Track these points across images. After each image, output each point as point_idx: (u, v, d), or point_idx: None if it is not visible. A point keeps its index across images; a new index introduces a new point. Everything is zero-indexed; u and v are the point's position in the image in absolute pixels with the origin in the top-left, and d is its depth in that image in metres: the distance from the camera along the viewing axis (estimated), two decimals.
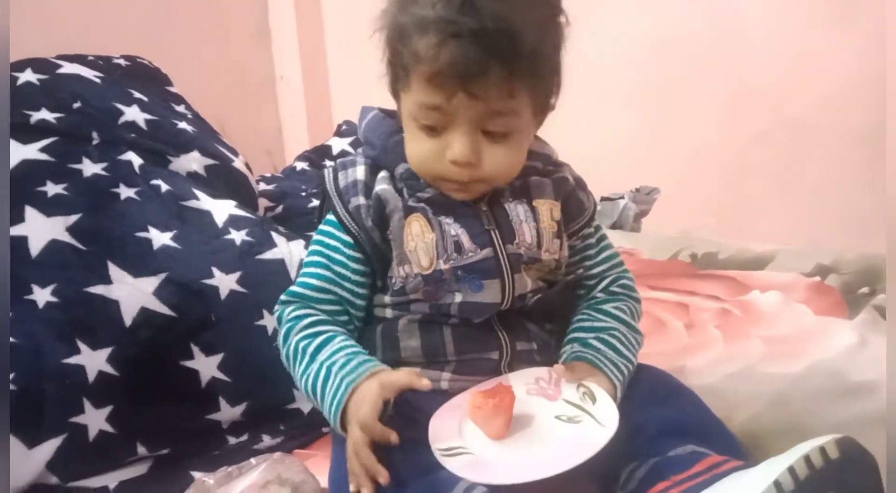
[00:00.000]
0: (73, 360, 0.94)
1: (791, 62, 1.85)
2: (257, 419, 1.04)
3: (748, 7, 1.88)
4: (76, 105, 1.24)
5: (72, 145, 1.17)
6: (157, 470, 0.97)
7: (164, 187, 1.18)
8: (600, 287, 0.90)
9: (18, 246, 1.01)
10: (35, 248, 1.01)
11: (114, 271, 1.03)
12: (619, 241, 1.56)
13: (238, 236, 1.15)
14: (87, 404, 0.94)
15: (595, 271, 0.91)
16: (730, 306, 1.29)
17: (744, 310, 1.27)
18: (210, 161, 1.31)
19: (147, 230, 1.10)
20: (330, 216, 0.84)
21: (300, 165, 1.81)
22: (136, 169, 1.19)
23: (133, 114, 1.29)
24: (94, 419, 0.94)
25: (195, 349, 1.03)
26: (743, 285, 1.36)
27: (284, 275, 1.11)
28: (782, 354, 1.10)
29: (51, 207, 1.06)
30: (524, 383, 0.80)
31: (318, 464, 0.87)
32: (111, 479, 0.94)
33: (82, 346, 0.96)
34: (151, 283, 1.03)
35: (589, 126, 1.94)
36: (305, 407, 1.06)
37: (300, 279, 0.84)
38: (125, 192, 1.15)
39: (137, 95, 1.35)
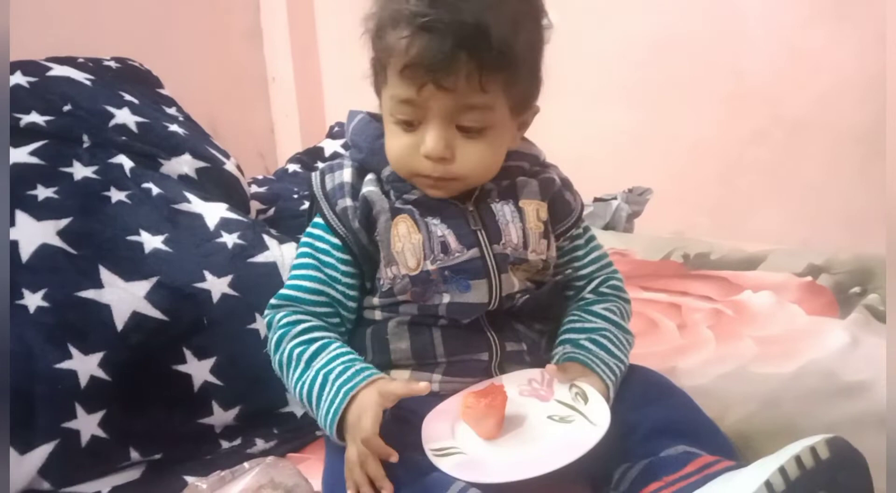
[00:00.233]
0: (64, 365, 0.94)
1: (787, 60, 1.86)
2: (250, 423, 1.04)
3: (744, 6, 1.89)
4: (66, 108, 1.23)
5: (62, 148, 1.17)
6: (150, 475, 0.96)
7: (156, 190, 1.18)
8: (589, 288, 0.91)
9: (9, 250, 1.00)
10: (26, 252, 1.01)
11: (105, 275, 1.03)
12: (611, 241, 1.58)
13: (230, 240, 1.14)
14: (80, 410, 0.93)
15: (584, 271, 0.91)
16: (722, 306, 1.29)
17: (736, 310, 1.27)
18: (201, 164, 1.31)
19: (138, 234, 1.09)
20: (318, 219, 0.85)
21: (292, 168, 1.81)
22: (127, 172, 1.19)
23: (124, 116, 1.28)
24: (87, 424, 0.93)
25: (187, 353, 1.02)
26: (735, 285, 1.36)
27: (276, 278, 1.10)
28: (774, 354, 1.10)
29: (41, 211, 1.06)
30: (516, 384, 0.80)
31: (311, 468, 0.87)
32: (104, 484, 0.93)
33: (74, 351, 0.95)
34: (143, 287, 1.03)
35: (585, 125, 1.95)
36: (298, 411, 1.06)
37: (290, 282, 0.84)
38: (116, 195, 1.14)
39: (128, 97, 1.34)
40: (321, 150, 1.87)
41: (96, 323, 0.98)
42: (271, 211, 1.50)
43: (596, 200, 1.80)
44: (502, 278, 0.82)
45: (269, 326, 0.83)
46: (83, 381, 0.94)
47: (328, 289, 0.83)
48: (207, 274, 1.08)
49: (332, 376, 0.76)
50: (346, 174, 0.85)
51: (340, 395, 0.74)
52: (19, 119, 1.16)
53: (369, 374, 0.76)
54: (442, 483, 0.68)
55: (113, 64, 1.50)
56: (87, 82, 1.32)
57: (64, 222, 1.06)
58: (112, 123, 1.26)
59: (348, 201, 0.82)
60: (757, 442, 0.86)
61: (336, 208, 0.83)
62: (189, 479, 0.89)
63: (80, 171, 1.15)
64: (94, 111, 1.25)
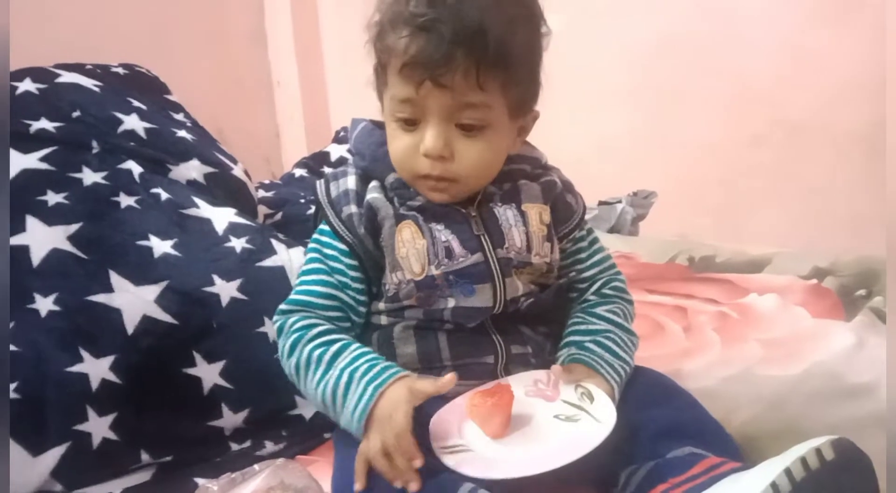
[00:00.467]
0: (76, 368, 0.95)
1: (788, 62, 1.86)
2: (259, 426, 1.04)
3: (746, 8, 1.89)
4: (75, 114, 1.24)
5: (71, 154, 1.18)
6: (160, 477, 0.97)
7: (164, 196, 1.19)
8: (592, 290, 0.92)
9: (20, 255, 1.01)
10: (37, 257, 1.02)
11: (115, 279, 1.04)
12: (616, 245, 1.58)
13: (238, 244, 1.15)
14: (91, 412, 0.94)
15: (587, 274, 0.92)
16: (727, 309, 1.29)
17: (741, 313, 1.27)
18: (209, 169, 1.32)
19: (148, 239, 1.10)
20: (324, 226, 0.86)
21: (299, 172, 1.82)
22: (136, 177, 1.20)
23: (132, 122, 1.29)
24: (98, 427, 0.94)
25: (197, 357, 1.03)
26: (740, 288, 1.37)
27: (284, 282, 1.11)
28: (780, 356, 1.10)
29: (52, 217, 1.07)
30: (522, 385, 0.81)
31: (320, 470, 0.87)
32: (115, 486, 0.94)
33: (85, 354, 0.96)
34: (153, 291, 1.04)
35: (587, 127, 1.96)
36: (307, 413, 1.06)
37: (301, 287, 0.85)
38: (125, 200, 1.15)
39: (136, 103, 1.35)
40: (327, 154, 1.88)
41: (107, 327, 0.99)
42: (279, 215, 1.51)
43: (601, 203, 1.81)
44: (506, 281, 0.83)
45: (279, 331, 0.84)
46: (94, 384, 0.95)
47: (339, 294, 0.84)
48: (216, 278, 1.08)
49: (357, 375, 0.76)
50: (351, 181, 0.86)
51: (370, 391, 0.75)
52: (29, 125, 1.17)
53: (396, 371, 0.76)
54: (451, 485, 0.69)
55: (121, 70, 1.51)
56: (96, 89, 1.33)
57: (74, 228, 1.07)
58: (121, 129, 1.27)
59: (353, 208, 0.83)
60: (762, 444, 0.86)
61: (342, 215, 0.84)
62: (199, 481, 0.90)
63: (89, 176, 1.16)
64: (102, 117, 1.26)
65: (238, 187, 1.36)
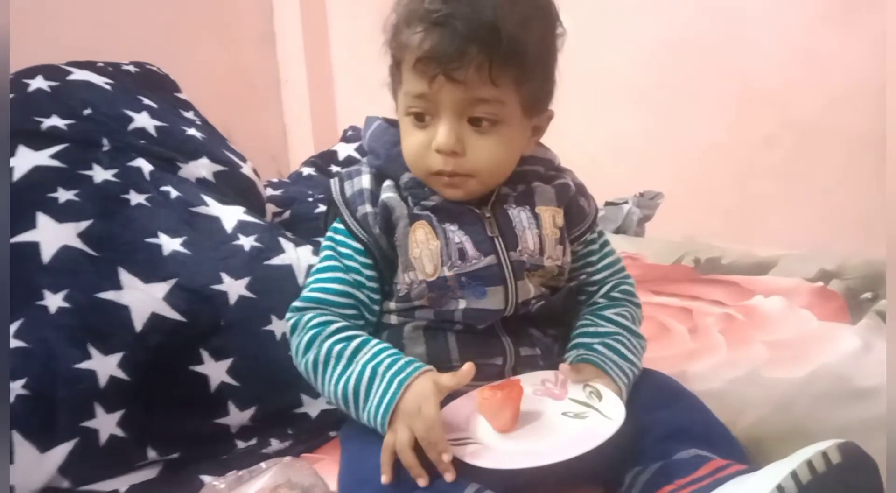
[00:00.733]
0: (84, 365, 0.95)
1: (798, 64, 1.86)
2: (265, 424, 1.05)
3: (754, 10, 1.89)
4: (86, 112, 1.24)
5: (82, 152, 1.18)
6: (167, 474, 0.98)
7: (174, 194, 1.19)
8: (601, 293, 0.92)
9: (30, 252, 1.02)
10: (47, 254, 1.02)
11: (124, 276, 1.04)
12: (622, 245, 1.58)
13: (247, 242, 1.16)
14: (99, 409, 0.95)
15: (597, 277, 0.92)
16: (733, 310, 1.29)
17: (747, 315, 1.27)
18: (219, 167, 1.32)
19: (157, 236, 1.11)
20: (338, 225, 0.86)
21: (307, 171, 1.82)
22: (146, 175, 1.20)
23: (143, 120, 1.30)
24: (106, 424, 0.95)
25: (204, 354, 1.04)
26: (746, 289, 1.37)
27: (292, 280, 1.12)
28: (786, 359, 1.10)
29: (62, 214, 1.07)
30: (530, 384, 0.81)
31: (325, 468, 0.88)
32: (122, 483, 0.95)
33: (94, 351, 0.97)
34: (162, 288, 1.04)
35: (596, 128, 1.95)
36: (313, 411, 1.07)
37: (317, 285, 0.85)
38: (135, 198, 1.16)
39: (147, 101, 1.36)
40: (335, 153, 1.89)
41: (116, 324, 1.00)
42: (287, 214, 1.51)
43: (607, 204, 1.81)
44: (518, 284, 0.83)
45: (293, 328, 0.84)
46: (102, 381, 0.96)
47: (355, 291, 0.84)
48: (225, 276, 1.09)
49: (381, 369, 0.77)
50: (365, 181, 0.86)
51: (395, 384, 0.75)
52: (40, 123, 1.18)
53: (419, 365, 0.77)
54: (458, 484, 0.69)
55: (132, 68, 1.52)
56: (107, 87, 1.33)
57: (84, 225, 1.08)
58: (131, 126, 1.27)
59: (368, 207, 0.84)
60: (768, 446, 0.86)
61: (357, 214, 0.84)
62: (206, 478, 0.91)
63: (99, 174, 1.16)
64: (113, 115, 1.27)
65: (247, 186, 1.37)
